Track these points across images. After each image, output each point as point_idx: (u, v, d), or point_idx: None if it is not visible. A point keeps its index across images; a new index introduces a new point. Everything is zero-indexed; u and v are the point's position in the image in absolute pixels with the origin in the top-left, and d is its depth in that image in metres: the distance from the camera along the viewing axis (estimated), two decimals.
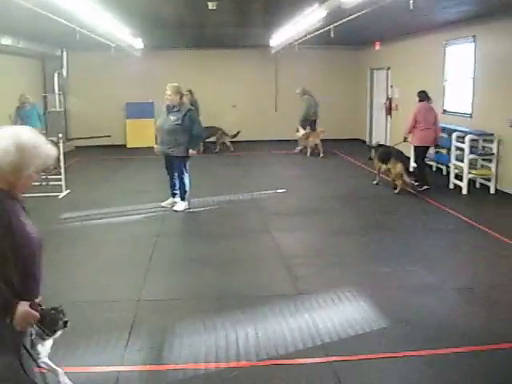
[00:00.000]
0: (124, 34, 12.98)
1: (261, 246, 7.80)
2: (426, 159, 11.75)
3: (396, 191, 10.99)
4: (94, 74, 18.11)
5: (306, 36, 13.54)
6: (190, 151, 9.40)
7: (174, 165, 9.54)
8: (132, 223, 9.17)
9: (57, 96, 17.68)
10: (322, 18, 10.24)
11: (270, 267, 6.94)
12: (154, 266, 6.95)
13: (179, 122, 9.25)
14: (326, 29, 12.00)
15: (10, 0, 7.25)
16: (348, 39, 15.81)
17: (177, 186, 9.77)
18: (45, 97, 18.40)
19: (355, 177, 12.98)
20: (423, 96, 11.35)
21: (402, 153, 11.21)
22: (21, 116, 13.50)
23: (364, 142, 18.94)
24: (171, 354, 4.70)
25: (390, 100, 16.80)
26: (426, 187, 11.09)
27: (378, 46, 17.34)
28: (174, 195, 9.85)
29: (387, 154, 11.34)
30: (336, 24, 11.35)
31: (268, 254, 7.42)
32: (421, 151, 11.40)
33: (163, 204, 9.80)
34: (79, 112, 17.02)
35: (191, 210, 9.71)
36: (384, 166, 11.39)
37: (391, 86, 16.64)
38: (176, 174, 9.63)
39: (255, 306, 5.64)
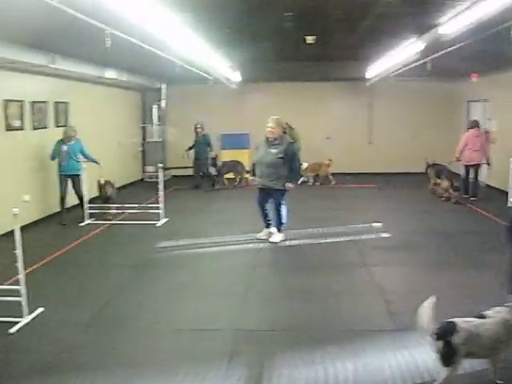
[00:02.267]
0: (223, 68, 13.31)
1: (358, 280, 7.75)
2: (469, 175, 14.07)
3: (443, 199, 13.66)
4: (191, 106, 18.58)
5: (401, 68, 13.49)
6: (288, 185, 9.41)
7: (271, 197, 9.58)
8: (228, 253, 9.31)
9: (155, 127, 18.31)
10: (420, 51, 10.18)
11: (368, 301, 6.88)
12: (252, 297, 7.03)
13: (281, 155, 9.28)
14: (422, 61, 11.93)
15: (117, 35, 7.54)
16: (444, 71, 15.60)
17: (270, 217, 9.83)
18: (144, 128, 19.10)
19: (449, 211, 12.68)
20: (473, 124, 14.03)
21: (450, 171, 13.94)
22: (66, 150, 11.47)
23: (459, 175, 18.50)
24: None
25: (487, 133, 16.40)
26: (473, 198, 13.66)
27: (475, 78, 17.00)
28: (268, 225, 9.91)
29: (440, 171, 14.20)
30: (434, 56, 11.26)
31: (365, 288, 7.36)
32: (467, 169, 14.05)
33: (259, 236, 9.85)
34: (176, 142, 17.47)
35: (287, 242, 9.74)
36: (438, 180, 14.19)
37: (489, 119, 16.25)
38: (271, 206, 9.68)
39: (354, 341, 5.60)
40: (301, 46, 10.84)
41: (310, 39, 10.22)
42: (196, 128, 16.48)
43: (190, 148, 16.73)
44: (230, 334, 5.82)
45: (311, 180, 17.14)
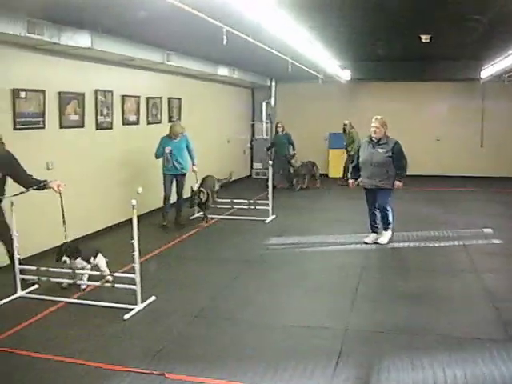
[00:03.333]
0: (333, 66, 13.27)
1: (467, 286, 7.51)
2: None
3: None
4: (299, 103, 18.68)
5: None
6: (396, 183, 9.30)
7: (378, 197, 9.46)
8: (336, 253, 9.30)
9: (264, 124, 18.51)
10: None
11: (478, 308, 6.68)
12: (360, 297, 6.98)
13: (389, 154, 9.19)
14: None
15: (232, 33, 7.67)
16: None
17: (378, 220, 9.73)
18: (252, 125, 19.37)
19: None
20: None
21: None
22: (173, 148, 10.89)
23: None
24: None
25: None
26: None
27: None
28: (375, 230, 9.81)
29: None
30: None
31: (475, 295, 7.13)
32: None
33: (366, 240, 9.70)
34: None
35: (395, 245, 9.58)
36: None
37: None
38: (379, 207, 9.56)
39: (463, 348, 5.44)
40: (415, 45, 10.63)
41: (424, 38, 10.02)
42: (276, 127, 16.51)
43: (269, 148, 16.81)
44: (338, 333, 5.81)
45: None
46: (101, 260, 7.49)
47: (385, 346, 5.54)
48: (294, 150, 16.28)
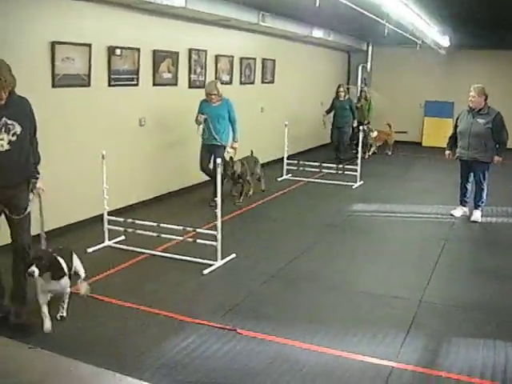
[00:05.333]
0: (432, 31, 12.87)
1: None
2: None
3: None
4: (395, 69, 18.25)
5: None
6: (496, 158, 8.95)
7: (475, 171, 9.16)
8: (419, 224, 9.17)
9: (359, 88, 18.23)
10: None
11: None
12: (439, 270, 6.86)
13: (490, 125, 8.83)
14: None
15: None
16: None
17: (468, 194, 9.46)
18: (348, 89, 19.08)
19: None
20: None
21: None
22: (210, 113, 9.33)
23: None
24: (445, 361, 4.64)
25: None
26: None
27: None
28: (464, 204, 9.55)
29: None
30: None
31: None
32: None
33: (453, 212, 9.48)
34: (378, 105, 17.24)
35: (483, 219, 9.23)
36: None
37: None
38: (475, 182, 9.23)
39: None
40: None
41: None
42: (338, 91, 14.62)
43: (328, 112, 14.82)
44: (412, 304, 5.78)
45: (374, 149, 16.06)
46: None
47: (458, 321, 5.47)
48: (354, 118, 14.57)
